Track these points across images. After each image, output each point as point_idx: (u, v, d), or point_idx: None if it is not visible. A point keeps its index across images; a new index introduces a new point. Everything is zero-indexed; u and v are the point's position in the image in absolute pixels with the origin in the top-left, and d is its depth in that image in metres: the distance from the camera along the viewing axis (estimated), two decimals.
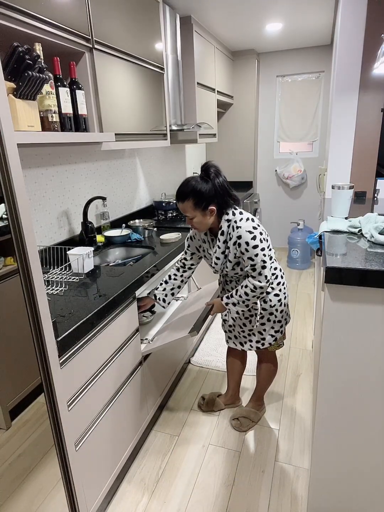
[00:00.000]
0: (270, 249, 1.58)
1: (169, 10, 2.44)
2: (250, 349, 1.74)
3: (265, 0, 2.52)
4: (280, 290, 1.62)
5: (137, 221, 2.50)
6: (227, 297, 1.60)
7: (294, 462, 1.69)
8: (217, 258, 1.57)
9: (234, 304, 1.58)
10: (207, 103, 3.18)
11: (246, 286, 1.52)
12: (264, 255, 1.47)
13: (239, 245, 1.47)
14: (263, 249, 1.46)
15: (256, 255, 1.46)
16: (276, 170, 4.41)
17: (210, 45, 3.17)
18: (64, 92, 1.47)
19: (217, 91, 3.46)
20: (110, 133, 1.69)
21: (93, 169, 2.23)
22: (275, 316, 1.64)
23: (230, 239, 1.50)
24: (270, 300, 1.61)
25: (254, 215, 3.95)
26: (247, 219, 1.48)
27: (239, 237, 1.46)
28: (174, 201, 2.88)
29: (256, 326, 1.65)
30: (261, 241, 1.46)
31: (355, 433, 1.25)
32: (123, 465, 1.60)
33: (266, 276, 1.49)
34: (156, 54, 2.23)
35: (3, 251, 1.18)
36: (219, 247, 1.54)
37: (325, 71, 3.91)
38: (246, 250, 1.46)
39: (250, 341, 1.72)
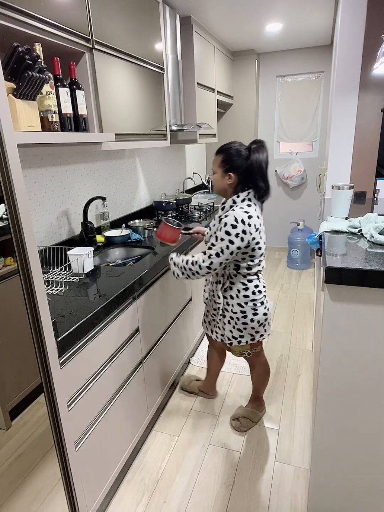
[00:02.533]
0: (243, 255, 1.51)
1: (169, 10, 2.44)
2: (216, 339, 1.76)
3: (265, 0, 2.52)
4: (246, 304, 1.59)
5: (137, 221, 2.50)
6: (177, 255, 1.62)
7: (294, 462, 1.69)
8: (209, 228, 1.63)
9: (175, 264, 1.59)
10: (207, 103, 3.18)
11: (193, 256, 1.54)
12: (227, 247, 1.44)
13: (220, 221, 1.50)
14: (231, 243, 1.43)
15: (222, 239, 1.44)
16: (276, 170, 4.41)
17: (210, 45, 3.17)
18: (64, 92, 1.47)
19: (217, 91, 3.46)
20: (110, 133, 1.69)
21: (93, 169, 2.23)
22: (235, 323, 1.64)
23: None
24: (232, 305, 1.61)
25: None
26: (246, 212, 1.45)
27: (226, 216, 1.46)
28: (174, 201, 2.88)
29: (219, 319, 1.68)
30: (236, 236, 1.43)
31: (355, 433, 1.25)
32: (123, 465, 1.60)
33: (211, 263, 1.48)
34: (156, 54, 2.23)
35: (3, 251, 1.18)
36: (214, 219, 1.60)
37: (325, 71, 3.91)
38: (220, 229, 1.46)
39: (215, 332, 1.76)
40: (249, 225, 1.44)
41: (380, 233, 1.35)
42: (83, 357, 1.24)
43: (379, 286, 1.07)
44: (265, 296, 1.64)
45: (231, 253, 1.46)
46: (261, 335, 1.68)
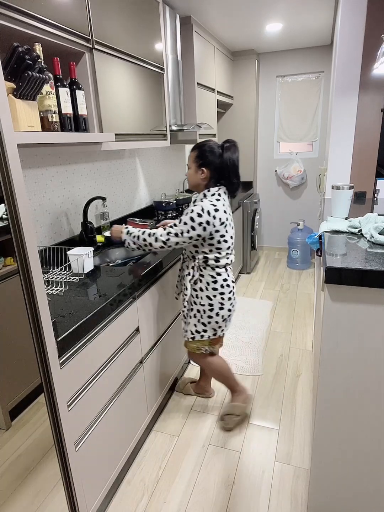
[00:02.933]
0: (210, 246, 1.58)
1: (169, 10, 2.44)
2: (183, 337, 1.80)
3: (265, 0, 2.52)
4: (214, 296, 1.65)
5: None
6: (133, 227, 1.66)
7: (294, 462, 1.69)
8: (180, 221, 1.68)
9: (128, 232, 1.62)
10: (207, 103, 3.18)
11: (151, 229, 1.59)
12: (188, 231, 1.51)
13: (189, 206, 1.57)
14: (192, 229, 1.51)
15: (185, 223, 1.51)
16: (276, 171, 4.41)
17: (210, 45, 3.17)
18: (64, 92, 1.47)
19: (217, 91, 3.46)
20: (110, 133, 1.69)
21: (93, 169, 2.23)
22: (201, 316, 1.69)
23: None
24: (201, 298, 1.66)
25: (254, 215, 3.95)
26: (214, 205, 1.53)
27: (195, 205, 1.53)
28: (174, 201, 2.88)
29: (186, 313, 1.73)
30: (199, 225, 1.50)
31: (355, 433, 1.25)
32: (123, 465, 1.60)
33: (168, 240, 1.54)
34: (156, 54, 2.23)
35: (3, 251, 1.18)
36: (185, 212, 1.65)
37: (325, 71, 3.91)
38: (186, 214, 1.53)
39: (184, 330, 1.79)
40: (214, 217, 1.52)
41: (380, 233, 1.35)
42: (83, 357, 1.24)
43: (379, 286, 1.07)
44: (232, 292, 1.69)
45: (190, 238, 1.53)
46: (222, 330, 1.75)
